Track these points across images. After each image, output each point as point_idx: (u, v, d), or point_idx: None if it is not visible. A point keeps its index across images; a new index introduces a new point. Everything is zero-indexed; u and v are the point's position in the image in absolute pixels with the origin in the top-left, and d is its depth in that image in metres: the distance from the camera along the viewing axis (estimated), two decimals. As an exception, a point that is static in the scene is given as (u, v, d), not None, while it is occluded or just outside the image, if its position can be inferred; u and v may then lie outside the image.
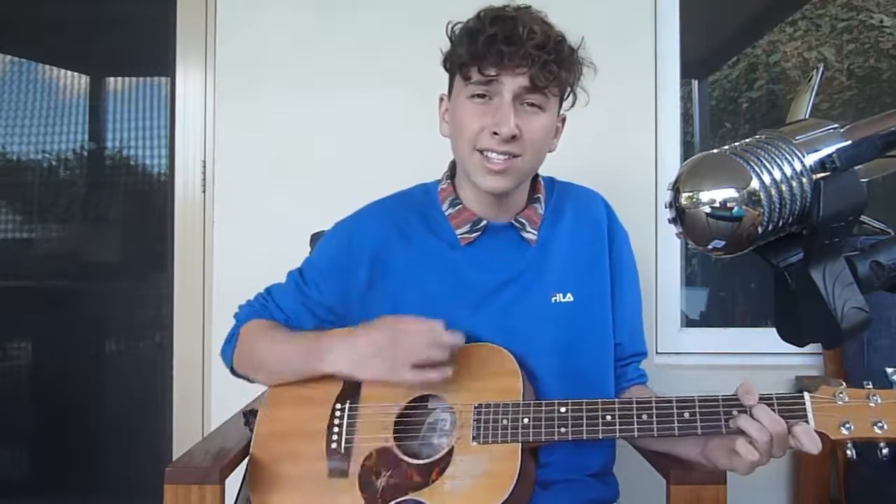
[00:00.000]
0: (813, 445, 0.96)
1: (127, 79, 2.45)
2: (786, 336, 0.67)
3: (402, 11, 1.93)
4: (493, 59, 1.10)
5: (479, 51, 1.11)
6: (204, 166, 2.04)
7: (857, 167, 0.60)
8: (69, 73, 2.48)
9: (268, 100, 1.95)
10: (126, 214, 2.50)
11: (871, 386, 0.98)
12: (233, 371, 1.31)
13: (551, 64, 1.11)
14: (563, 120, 1.25)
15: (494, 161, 1.14)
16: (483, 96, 1.14)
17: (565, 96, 1.20)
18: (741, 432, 0.98)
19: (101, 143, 2.48)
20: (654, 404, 1.05)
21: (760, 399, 1.00)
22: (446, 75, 1.23)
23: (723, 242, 0.59)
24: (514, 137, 1.12)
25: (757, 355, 1.89)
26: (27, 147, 2.42)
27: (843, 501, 1.83)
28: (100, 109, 2.46)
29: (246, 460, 1.21)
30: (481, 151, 1.15)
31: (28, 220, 2.50)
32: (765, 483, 1.92)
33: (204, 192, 2.04)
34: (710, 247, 0.60)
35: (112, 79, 2.47)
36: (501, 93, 1.12)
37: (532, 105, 1.14)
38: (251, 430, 1.22)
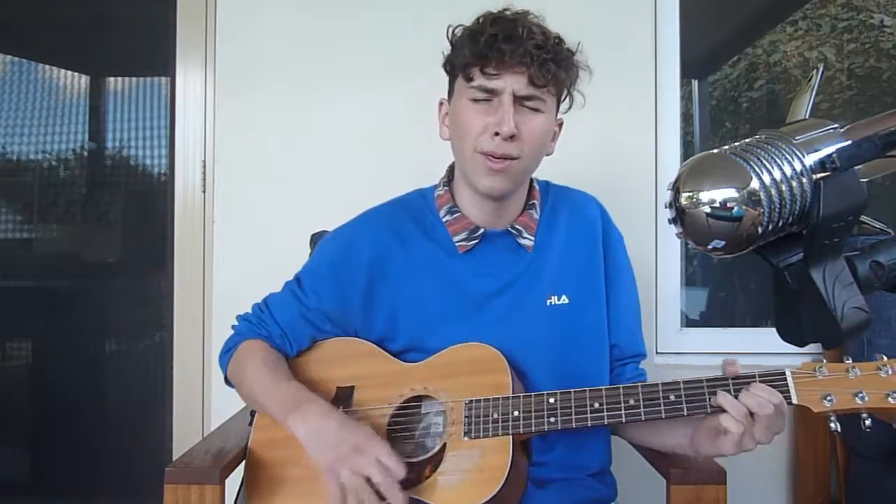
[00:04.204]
0: (769, 394, 0.98)
1: (127, 79, 2.44)
2: (786, 336, 0.67)
3: (402, 12, 1.93)
4: (494, 58, 1.12)
5: (481, 51, 1.13)
6: (204, 166, 2.04)
7: (857, 167, 0.60)
8: (69, 73, 2.48)
9: (268, 100, 1.95)
10: (126, 214, 2.50)
11: (850, 360, 0.99)
12: (227, 381, 1.30)
13: (549, 63, 1.13)
14: (561, 124, 1.26)
15: (495, 160, 1.15)
16: (484, 98, 1.15)
17: (562, 98, 1.21)
18: (723, 410, 1.00)
19: (101, 143, 2.48)
20: (640, 389, 1.06)
21: (743, 377, 1.03)
22: (446, 76, 1.24)
23: (723, 242, 0.60)
24: (512, 137, 1.13)
25: (757, 355, 1.88)
26: (27, 147, 2.42)
27: (842, 501, 1.83)
28: (100, 109, 2.46)
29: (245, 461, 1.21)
30: (482, 154, 1.16)
31: (28, 220, 2.50)
32: (764, 483, 1.92)
33: (204, 192, 2.04)
34: (710, 247, 0.60)
35: (112, 79, 2.47)
36: (502, 91, 1.14)
37: (531, 105, 1.15)
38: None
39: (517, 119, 1.14)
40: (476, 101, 1.16)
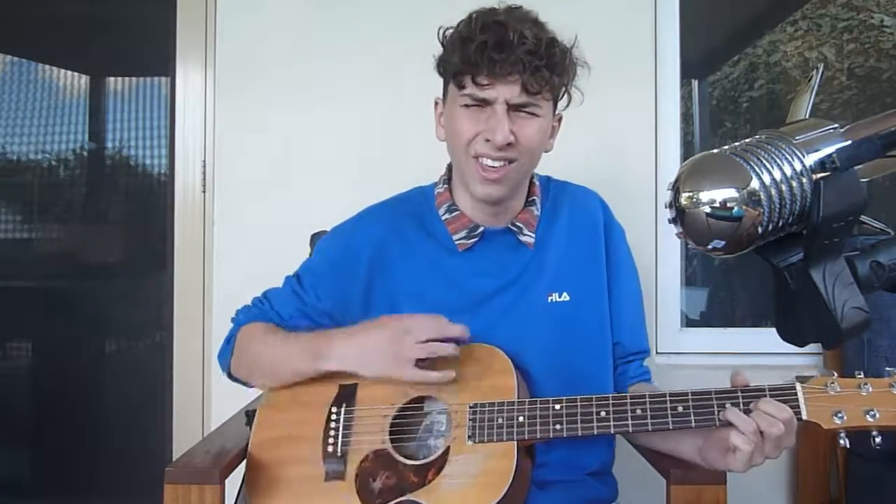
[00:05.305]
0: (778, 410, 0.97)
1: (127, 79, 2.45)
2: (786, 336, 0.67)
3: (401, 12, 1.93)
4: (485, 67, 1.10)
5: (471, 59, 1.10)
6: (204, 166, 2.04)
7: (857, 167, 0.60)
8: (69, 73, 2.48)
9: (267, 100, 1.95)
10: (126, 214, 2.50)
11: (862, 376, 0.98)
12: (230, 375, 1.30)
13: (543, 69, 1.10)
14: (560, 119, 1.25)
15: (490, 168, 1.14)
16: (477, 105, 1.14)
17: (560, 97, 1.20)
18: (731, 425, 0.98)
19: (101, 143, 2.48)
20: (647, 399, 1.05)
21: (752, 390, 1.01)
22: (442, 76, 1.23)
23: (723, 242, 0.60)
24: (509, 144, 1.12)
25: (757, 355, 1.89)
26: (27, 147, 2.42)
27: (842, 500, 1.83)
28: (100, 109, 2.46)
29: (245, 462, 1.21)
30: (477, 158, 1.15)
31: (28, 220, 2.50)
32: (765, 483, 1.92)
33: (204, 192, 2.04)
34: (710, 247, 0.60)
35: (112, 79, 2.47)
36: (495, 100, 1.12)
37: (526, 111, 1.13)
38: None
39: (512, 125, 1.12)
40: (468, 106, 1.14)
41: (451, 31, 1.17)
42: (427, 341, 1.09)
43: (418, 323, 1.11)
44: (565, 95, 1.20)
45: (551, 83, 1.13)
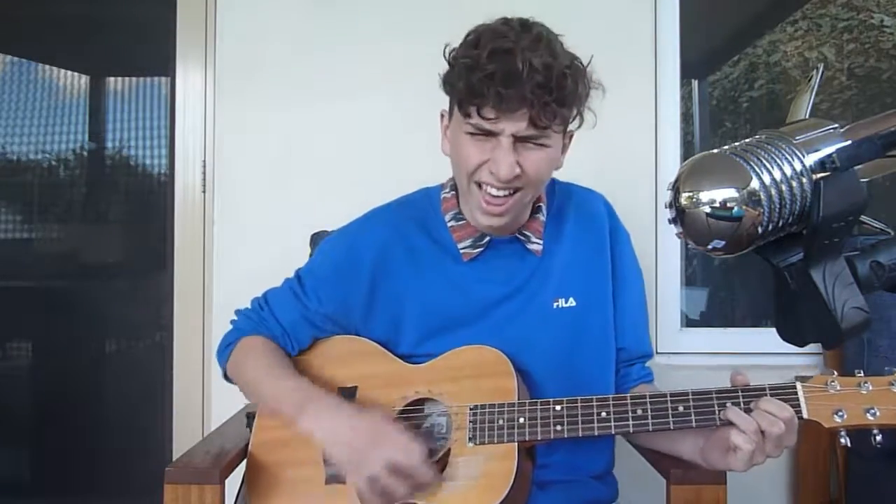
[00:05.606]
0: (779, 409, 0.96)
1: (127, 79, 2.45)
2: (786, 336, 0.67)
3: (401, 12, 1.93)
4: (490, 100, 1.04)
5: (476, 90, 1.04)
6: (204, 166, 2.04)
7: (857, 167, 0.60)
8: (69, 73, 2.48)
9: (267, 100, 1.95)
10: (126, 214, 2.50)
11: (862, 374, 0.98)
12: (225, 376, 1.29)
13: (552, 104, 1.04)
14: (571, 137, 1.19)
15: (494, 200, 1.11)
16: (482, 134, 1.09)
17: (572, 120, 1.14)
18: (732, 424, 0.98)
19: (101, 143, 2.48)
20: (648, 399, 1.05)
21: (753, 390, 1.01)
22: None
23: (723, 242, 0.60)
24: (515, 176, 1.09)
25: (757, 355, 1.89)
26: (27, 147, 2.42)
27: (842, 500, 1.83)
28: (100, 109, 2.46)
29: (245, 462, 1.21)
30: (480, 185, 1.12)
31: (28, 220, 2.50)
32: (765, 483, 1.92)
33: (204, 192, 2.04)
34: (710, 247, 0.60)
35: (112, 79, 2.47)
36: (501, 133, 1.07)
37: (534, 142, 1.09)
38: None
39: (519, 157, 1.08)
40: (473, 134, 1.10)
41: (456, 50, 1.11)
42: (393, 466, 1.03)
43: (395, 442, 1.05)
44: (578, 117, 1.14)
45: (561, 116, 1.08)
